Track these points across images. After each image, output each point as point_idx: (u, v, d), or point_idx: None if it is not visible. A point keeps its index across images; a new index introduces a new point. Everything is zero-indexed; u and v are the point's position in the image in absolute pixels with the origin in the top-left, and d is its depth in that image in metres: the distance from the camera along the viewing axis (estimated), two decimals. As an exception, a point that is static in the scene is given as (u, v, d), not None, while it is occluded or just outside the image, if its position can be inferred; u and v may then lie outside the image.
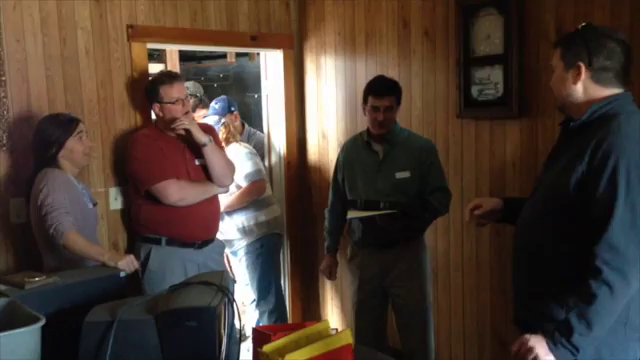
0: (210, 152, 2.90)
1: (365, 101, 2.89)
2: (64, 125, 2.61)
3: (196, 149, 2.91)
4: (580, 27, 1.80)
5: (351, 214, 2.89)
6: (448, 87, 3.10)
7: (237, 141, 3.75)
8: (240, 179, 3.57)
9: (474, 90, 2.96)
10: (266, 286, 3.70)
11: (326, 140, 3.86)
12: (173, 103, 2.86)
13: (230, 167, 3.06)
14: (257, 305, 3.72)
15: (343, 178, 3.03)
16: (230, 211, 3.61)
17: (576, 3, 2.58)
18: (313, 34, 3.86)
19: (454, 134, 3.10)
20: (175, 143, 2.93)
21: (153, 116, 3.03)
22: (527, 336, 1.67)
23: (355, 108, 3.59)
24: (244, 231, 3.65)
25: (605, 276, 1.59)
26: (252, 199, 3.62)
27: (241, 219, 3.64)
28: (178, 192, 2.84)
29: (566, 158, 1.76)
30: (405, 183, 2.83)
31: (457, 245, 3.16)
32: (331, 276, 3.22)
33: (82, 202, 2.63)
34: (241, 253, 3.71)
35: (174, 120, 2.85)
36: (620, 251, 1.59)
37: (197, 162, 2.95)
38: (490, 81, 2.89)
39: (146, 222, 2.93)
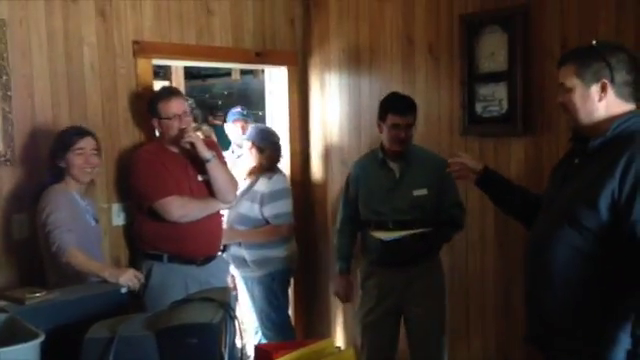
0: (213, 168, 2.89)
1: (382, 118, 2.82)
2: (66, 139, 2.64)
3: (199, 165, 2.90)
4: (594, 43, 1.77)
5: (382, 235, 2.75)
6: (452, 104, 3.09)
7: (279, 171, 3.58)
8: (270, 215, 3.42)
9: (478, 107, 2.96)
10: (277, 321, 3.53)
11: (330, 157, 3.85)
12: (170, 119, 2.86)
13: (233, 183, 3.04)
14: (265, 337, 3.55)
15: (356, 196, 2.96)
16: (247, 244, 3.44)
17: (580, 20, 2.58)
18: (317, 51, 3.87)
19: (458, 151, 3.08)
20: (178, 159, 2.92)
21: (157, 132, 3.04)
22: None
23: (359, 125, 3.59)
24: (257, 263, 3.46)
25: None
26: (276, 239, 3.48)
27: (259, 252, 3.45)
28: (180, 208, 2.83)
29: (589, 175, 1.72)
30: (422, 200, 2.79)
31: (461, 263, 3.13)
32: (348, 298, 3.10)
33: (84, 220, 2.64)
34: (253, 283, 3.52)
35: (177, 135, 2.84)
36: None
37: (200, 178, 2.94)
38: (494, 98, 2.89)
39: (148, 238, 2.91)
